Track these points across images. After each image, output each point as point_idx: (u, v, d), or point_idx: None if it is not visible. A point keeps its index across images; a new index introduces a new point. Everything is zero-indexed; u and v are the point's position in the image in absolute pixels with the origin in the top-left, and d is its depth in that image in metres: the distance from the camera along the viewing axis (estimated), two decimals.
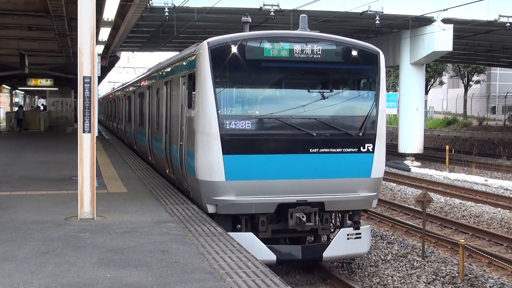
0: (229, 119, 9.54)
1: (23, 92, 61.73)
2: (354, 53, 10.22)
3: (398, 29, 29.95)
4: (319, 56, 9.99)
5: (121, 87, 30.53)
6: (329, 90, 10.44)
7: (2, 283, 5.68)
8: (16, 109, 43.77)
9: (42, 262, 6.41)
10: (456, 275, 10.95)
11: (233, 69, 9.77)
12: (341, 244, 10.33)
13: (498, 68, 59.30)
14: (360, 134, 10.13)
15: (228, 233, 8.30)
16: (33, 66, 29.47)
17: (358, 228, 10.56)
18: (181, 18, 24.99)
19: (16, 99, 61.83)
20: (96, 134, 8.79)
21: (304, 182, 9.84)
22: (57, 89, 39.60)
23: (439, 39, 27.70)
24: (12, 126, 36.63)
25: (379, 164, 10.29)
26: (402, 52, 30.21)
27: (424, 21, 27.58)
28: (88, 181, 8.58)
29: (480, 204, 18.64)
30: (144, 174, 14.39)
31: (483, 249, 12.80)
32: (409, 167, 28.70)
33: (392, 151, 31.55)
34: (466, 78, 57.84)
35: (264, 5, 23.90)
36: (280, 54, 9.83)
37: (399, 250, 12.83)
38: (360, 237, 10.49)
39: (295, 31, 10.81)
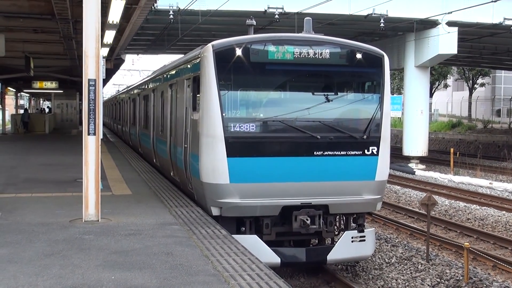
0: (234, 121, 9.55)
1: (28, 95, 61.91)
2: (359, 56, 10.22)
3: (403, 32, 29.94)
4: (324, 59, 9.99)
5: (126, 90, 30.59)
6: (333, 93, 10.43)
7: (7, 285, 5.71)
8: (21, 111, 43.88)
9: (47, 264, 6.44)
10: (461, 278, 10.93)
11: (238, 72, 9.78)
12: (345, 247, 10.33)
13: (503, 71, 59.18)
14: (365, 136, 10.12)
15: (232, 235, 8.32)
16: (38, 68, 29.53)
17: (362, 231, 10.55)
18: (186, 21, 25.03)
19: (21, 102, 61.97)
20: (101, 136, 8.82)
21: (309, 184, 9.84)
22: (62, 91, 39.70)
23: (444, 42, 27.67)
24: (18, 129, 36.75)
25: (383, 166, 10.28)
26: (407, 55, 30.19)
27: (429, 24, 27.57)
28: (93, 183, 8.61)
29: (485, 207, 18.59)
30: (149, 176, 14.42)
31: (488, 252, 12.77)
32: (414, 170, 28.66)
33: (397, 154, 31.52)
34: (471, 81, 57.74)
35: (268, 8, 23.92)
36: (285, 57, 9.84)
37: (404, 253, 12.82)
38: (364, 240, 10.49)
39: (299, 34, 10.82)
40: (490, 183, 23.20)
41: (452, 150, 30.35)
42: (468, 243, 11.25)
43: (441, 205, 18.73)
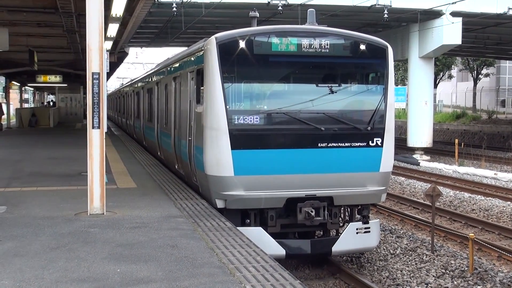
0: (238, 114, 9.55)
1: (32, 89, 61.97)
2: (362, 47, 10.20)
3: (407, 22, 29.82)
4: (327, 50, 9.97)
5: (129, 83, 30.61)
6: (337, 85, 10.42)
7: (13, 278, 5.74)
8: (25, 105, 43.87)
9: (53, 257, 6.46)
10: (466, 269, 10.93)
11: (241, 64, 9.77)
12: (350, 238, 10.34)
13: (507, 61, 58.96)
14: (369, 128, 10.12)
15: (237, 228, 8.33)
16: (42, 62, 29.59)
17: (367, 222, 10.56)
18: (189, 14, 24.98)
19: (25, 96, 62.02)
20: (105, 130, 8.83)
21: (313, 176, 9.84)
22: (66, 85, 39.73)
23: (448, 32, 27.55)
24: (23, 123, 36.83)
25: (388, 158, 10.28)
26: (411, 46, 30.09)
27: (433, 14, 27.45)
28: (98, 176, 8.63)
29: (490, 197, 18.57)
30: (153, 169, 14.44)
31: (493, 243, 12.76)
32: (418, 161, 28.63)
33: (401, 145, 31.46)
34: (475, 71, 57.55)
35: None
36: (288, 49, 9.82)
37: (408, 244, 12.82)
38: (369, 231, 10.50)
39: (303, 26, 10.80)
40: (495, 174, 23.16)
41: (456, 141, 30.31)
42: (473, 234, 11.24)
43: (445, 196, 18.71)
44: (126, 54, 33.57)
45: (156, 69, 18.58)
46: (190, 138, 11.11)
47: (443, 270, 11.02)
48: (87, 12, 8.49)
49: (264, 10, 23.19)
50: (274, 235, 9.82)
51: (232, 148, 9.46)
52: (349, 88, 10.61)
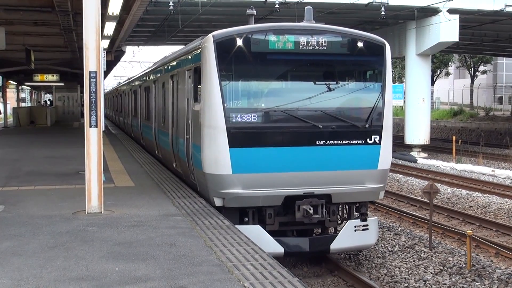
0: (235, 112, 9.55)
1: (29, 88, 61.86)
2: (360, 44, 10.20)
3: (404, 20, 29.83)
4: (325, 48, 9.97)
5: (127, 82, 30.57)
6: (335, 82, 10.41)
7: (11, 277, 5.73)
8: (22, 104, 43.77)
9: (51, 256, 6.46)
10: (464, 265, 10.95)
11: (239, 62, 9.77)
12: (349, 236, 10.35)
13: (504, 58, 59.03)
14: (367, 125, 10.12)
15: (236, 226, 8.33)
16: (39, 61, 29.53)
17: (365, 220, 10.57)
18: (186, 12, 24.97)
19: (22, 95, 61.92)
20: (102, 128, 8.82)
21: (311, 174, 9.85)
22: (63, 84, 39.65)
23: (445, 29, 27.56)
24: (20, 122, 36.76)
25: (385, 155, 10.28)
26: (408, 43, 30.10)
27: (430, 11, 27.47)
28: (96, 175, 8.62)
29: (487, 194, 18.60)
30: (151, 168, 14.43)
31: (490, 240, 12.79)
32: (416, 158, 28.64)
33: (399, 142, 31.49)
34: (472, 69, 57.60)
35: None
36: (286, 47, 9.82)
37: (406, 241, 12.83)
38: (367, 229, 10.50)
39: (300, 23, 10.79)
40: (492, 171, 23.18)
41: (454, 138, 30.32)
42: (470, 231, 11.26)
43: (443, 193, 18.74)
44: (123, 52, 33.54)
45: (153, 67, 18.55)
46: (188, 137, 11.10)
47: (441, 267, 11.03)
48: (84, 10, 8.47)
49: (261, 8, 23.18)
50: (272, 233, 9.83)
51: (230, 146, 9.45)
52: (346, 86, 10.60)
